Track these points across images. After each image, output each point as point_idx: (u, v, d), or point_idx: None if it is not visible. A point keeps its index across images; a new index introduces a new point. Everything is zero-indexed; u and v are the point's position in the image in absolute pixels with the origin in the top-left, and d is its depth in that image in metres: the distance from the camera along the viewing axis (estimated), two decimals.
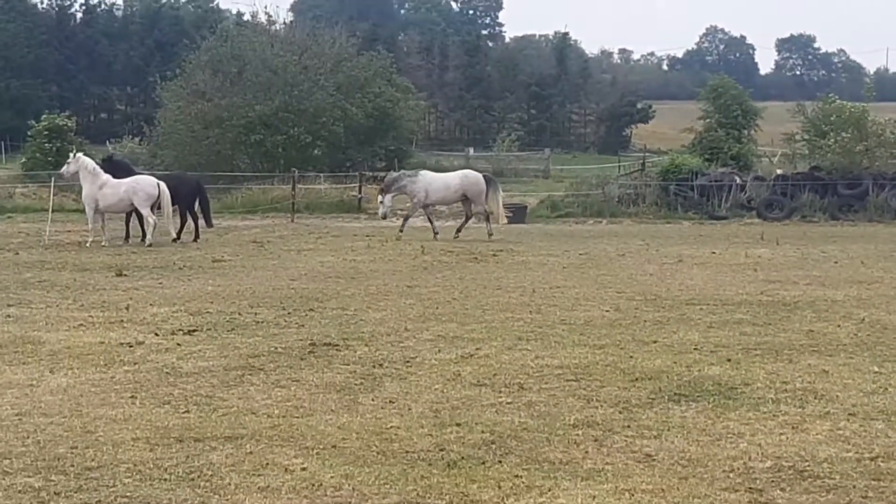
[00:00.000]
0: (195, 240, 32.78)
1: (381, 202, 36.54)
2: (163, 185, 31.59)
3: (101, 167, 32.13)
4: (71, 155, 32.52)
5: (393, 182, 36.42)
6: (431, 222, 36.00)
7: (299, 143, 59.36)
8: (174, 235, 32.73)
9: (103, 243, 30.92)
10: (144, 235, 31.84)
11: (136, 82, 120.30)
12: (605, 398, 11.28)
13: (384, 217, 37.49)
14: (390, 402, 11.13)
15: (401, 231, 35.60)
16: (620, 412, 10.77)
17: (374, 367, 12.85)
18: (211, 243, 32.35)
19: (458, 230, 35.66)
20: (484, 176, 36.90)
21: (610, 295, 20.05)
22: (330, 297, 19.49)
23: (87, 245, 30.67)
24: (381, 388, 11.77)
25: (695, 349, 14.10)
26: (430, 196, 35.60)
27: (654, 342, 14.64)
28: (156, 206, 31.54)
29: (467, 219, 36.46)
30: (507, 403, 11.07)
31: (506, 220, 37.26)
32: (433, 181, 35.88)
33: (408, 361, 13.16)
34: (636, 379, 12.17)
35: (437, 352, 13.80)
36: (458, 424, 10.22)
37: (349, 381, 12.10)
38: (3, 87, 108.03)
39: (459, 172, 37.91)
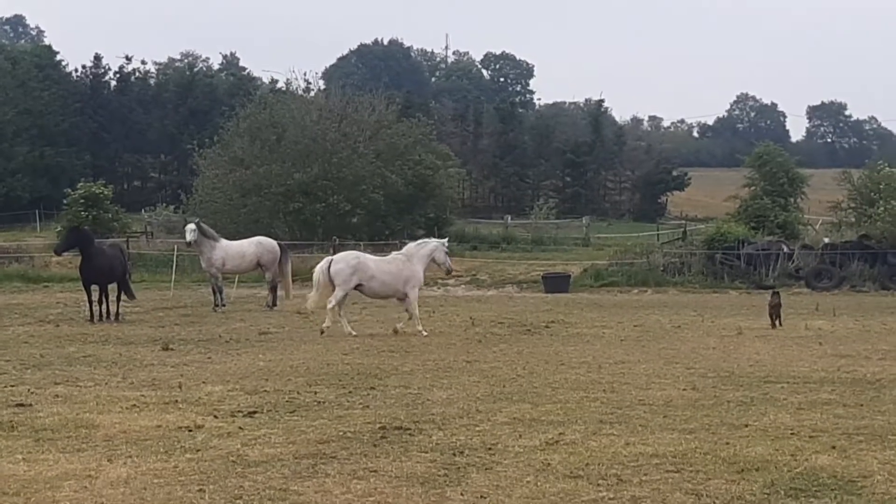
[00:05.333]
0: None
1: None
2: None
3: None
4: None
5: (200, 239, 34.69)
6: (220, 292, 34.42)
7: (338, 211, 58.73)
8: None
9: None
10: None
11: (170, 150, 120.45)
12: (716, 493, 10.32)
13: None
14: (481, 496, 10.19)
15: (222, 306, 33.83)
16: None
17: (454, 454, 11.93)
18: (255, 314, 31.69)
19: (273, 303, 34.64)
20: (279, 244, 36.57)
21: (680, 371, 19.33)
22: (389, 374, 18.75)
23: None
24: (468, 480, 10.82)
25: (792, 434, 13.20)
26: (227, 264, 34.81)
27: (746, 426, 13.75)
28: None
29: (274, 288, 35.39)
30: (610, 499, 10.13)
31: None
32: (229, 248, 35.17)
33: (489, 448, 12.24)
34: (742, 470, 11.20)
35: (518, 437, 12.90)
36: None
37: (431, 471, 11.17)
38: (37, 155, 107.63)
39: (254, 240, 37.02)
